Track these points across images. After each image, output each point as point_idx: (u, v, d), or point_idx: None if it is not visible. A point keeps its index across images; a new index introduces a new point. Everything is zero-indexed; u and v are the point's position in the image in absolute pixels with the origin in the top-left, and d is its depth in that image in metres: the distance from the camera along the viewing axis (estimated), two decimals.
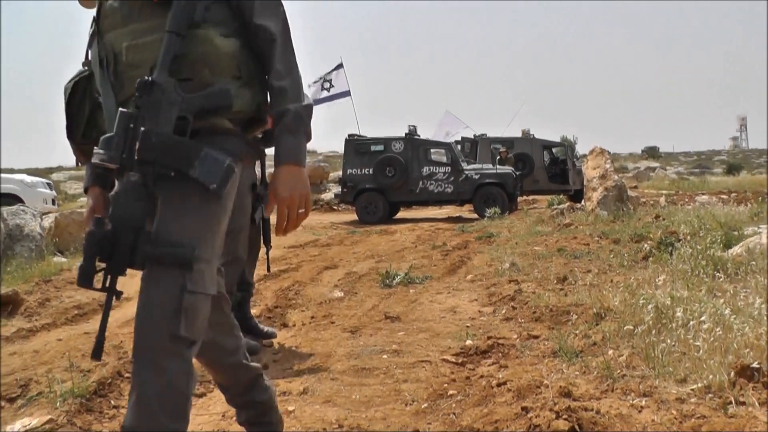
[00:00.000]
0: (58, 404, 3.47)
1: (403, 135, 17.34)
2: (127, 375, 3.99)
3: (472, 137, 22.89)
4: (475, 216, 16.06)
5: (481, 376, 3.40)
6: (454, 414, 2.94)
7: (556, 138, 27.19)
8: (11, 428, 3.24)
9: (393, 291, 6.10)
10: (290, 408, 3.14)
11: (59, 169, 38.42)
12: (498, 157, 19.25)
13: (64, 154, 38.80)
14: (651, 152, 59.20)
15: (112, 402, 3.60)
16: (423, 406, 3.08)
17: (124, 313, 6.10)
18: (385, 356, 3.93)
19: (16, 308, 6.60)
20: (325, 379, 3.56)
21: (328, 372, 3.68)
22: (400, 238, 11.55)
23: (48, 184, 18.21)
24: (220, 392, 3.55)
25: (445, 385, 3.35)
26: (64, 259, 9.63)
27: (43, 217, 11.42)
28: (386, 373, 3.60)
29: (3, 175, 17.33)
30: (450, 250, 9.14)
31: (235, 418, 3.10)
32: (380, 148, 17.09)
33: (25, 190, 16.42)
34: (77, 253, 10.20)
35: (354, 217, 17.11)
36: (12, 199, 14.78)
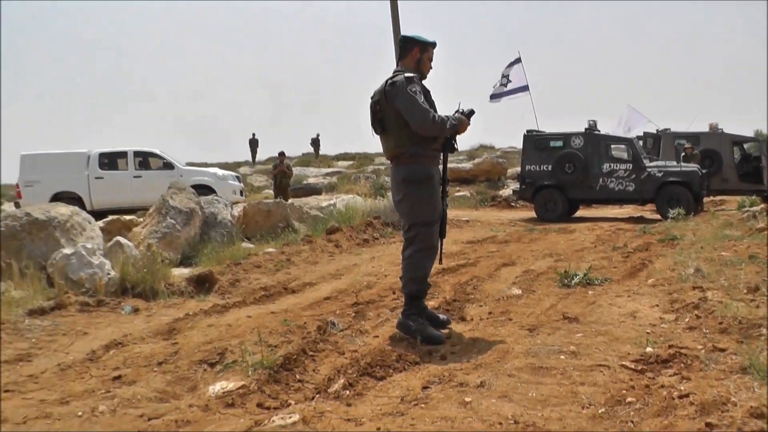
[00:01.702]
0: (249, 373, 3.81)
1: (583, 130, 16.71)
2: (311, 353, 4.26)
3: (655, 132, 21.52)
4: (658, 216, 15.36)
5: (662, 386, 3.31)
6: (632, 422, 2.89)
7: (748, 133, 24.97)
8: (212, 388, 3.62)
9: (571, 291, 6.02)
10: (467, 399, 3.23)
11: (246, 163, 40.58)
12: (683, 154, 18.15)
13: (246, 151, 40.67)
14: None
15: (297, 376, 3.87)
16: (600, 411, 3.05)
17: (307, 297, 6.45)
18: (562, 357, 3.92)
19: (211, 286, 7.18)
20: (502, 374, 3.61)
21: (505, 368, 3.73)
22: (579, 237, 11.32)
23: (237, 177, 19.65)
24: (399, 377, 3.73)
25: (624, 391, 3.29)
26: (251, 245, 10.30)
27: (233, 206, 12.26)
28: (563, 374, 3.60)
29: (198, 168, 18.80)
30: (631, 251, 8.84)
31: (413, 403, 3.25)
32: (559, 143, 16.59)
33: (217, 182, 17.86)
34: (263, 240, 10.83)
35: (532, 214, 16.87)
36: (206, 190, 16.13)
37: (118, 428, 3.13)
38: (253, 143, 40.39)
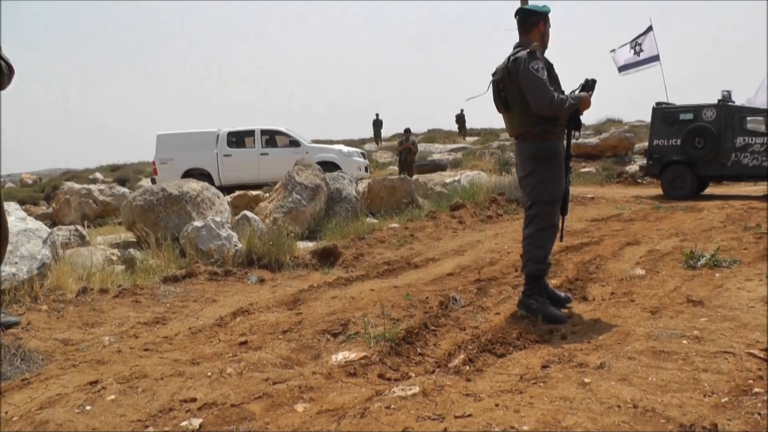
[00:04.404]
0: (371, 344, 3.94)
1: (716, 102, 15.55)
2: (432, 327, 4.32)
3: None
4: None
5: None
6: (759, 414, 2.74)
7: None
8: (335, 358, 3.78)
9: (697, 273, 5.78)
10: (586, 380, 3.19)
11: (370, 140, 40.73)
12: None
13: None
14: None
15: (418, 350, 3.96)
16: (723, 400, 2.90)
17: (430, 272, 6.51)
18: (684, 341, 3.77)
19: (335, 259, 7.38)
20: (622, 357, 3.54)
21: (625, 350, 3.65)
22: (707, 216, 10.80)
23: (362, 153, 20.01)
24: (519, 355, 3.74)
25: (750, 381, 3.12)
26: (375, 220, 10.48)
27: (358, 182, 12.48)
28: (685, 360, 3.46)
29: (324, 145, 19.27)
30: (764, 232, 8.36)
31: (532, 381, 3.25)
32: (690, 116, 15.55)
33: (343, 159, 18.24)
34: (387, 216, 10.98)
35: (659, 191, 16.22)
36: (332, 166, 16.55)
37: (244, 390, 3.30)
38: (377, 124, 39.40)
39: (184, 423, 2.91)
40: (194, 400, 3.18)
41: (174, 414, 3.03)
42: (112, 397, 3.22)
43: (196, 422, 2.90)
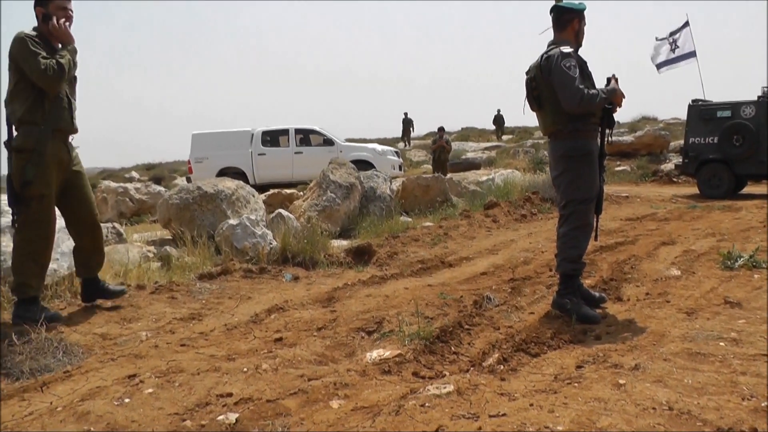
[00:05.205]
0: (406, 342, 3.97)
1: (755, 98, 15.12)
2: (466, 326, 4.33)
3: None
4: None
5: None
6: None
7: None
8: (369, 355, 3.80)
9: (735, 274, 5.69)
10: (621, 381, 3.17)
11: (403, 138, 40.39)
12: None
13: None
14: None
15: (452, 348, 3.97)
16: (763, 404, 2.84)
17: (464, 271, 6.51)
18: (722, 343, 3.73)
19: (370, 257, 7.40)
20: (657, 358, 3.51)
21: (660, 351, 3.62)
22: (745, 216, 10.61)
23: (396, 152, 20.08)
24: (553, 354, 3.73)
25: None
26: (408, 219, 10.48)
27: (392, 181, 12.49)
28: (722, 362, 3.42)
29: (358, 144, 19.36)
30: None
31: (567, 381, 3.24)
32: (727, 114, 15.18)
33: (377, 158, 18.30)
34: (421, 214, 10.99)
35: (695, 190, 15.98)
36: (366, 165, 16.60)
37: (280, 386, 3.33)
38: (407, 123, 38.41)
39: (220, 417, 2.95)
40: (230, 395, 3.22)
41: (211, 408, 3.08)
42: (150, 390, 3.28)
43: (232, 417, 2.94)
